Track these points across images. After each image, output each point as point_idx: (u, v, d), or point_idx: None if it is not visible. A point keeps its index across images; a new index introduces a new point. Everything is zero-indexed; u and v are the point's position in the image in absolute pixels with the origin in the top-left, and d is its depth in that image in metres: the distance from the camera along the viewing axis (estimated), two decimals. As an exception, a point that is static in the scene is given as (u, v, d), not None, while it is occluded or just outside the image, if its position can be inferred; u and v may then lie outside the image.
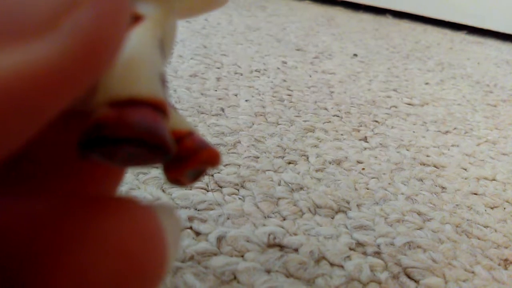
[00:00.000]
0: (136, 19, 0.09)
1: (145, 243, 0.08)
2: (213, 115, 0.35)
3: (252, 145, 0.32)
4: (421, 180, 0.31)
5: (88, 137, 0.07)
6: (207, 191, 0.25)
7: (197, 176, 0.10)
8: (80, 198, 0.09)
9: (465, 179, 0.32)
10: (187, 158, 0.09)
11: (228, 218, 0.23)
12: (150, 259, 0.08)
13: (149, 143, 0.07)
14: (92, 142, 0.07)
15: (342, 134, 0.36)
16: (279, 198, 0.26)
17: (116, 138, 0.07)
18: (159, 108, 0.08)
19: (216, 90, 0.40)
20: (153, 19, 0.09)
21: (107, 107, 0.07)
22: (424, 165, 0.33)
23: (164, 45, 0.09)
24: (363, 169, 0.31)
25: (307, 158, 0.31)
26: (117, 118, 0.07)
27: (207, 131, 0.32)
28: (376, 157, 0.33)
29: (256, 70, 0.48)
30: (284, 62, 0.53)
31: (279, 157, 0.31)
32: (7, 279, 0.08)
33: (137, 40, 0.08)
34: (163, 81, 0.08)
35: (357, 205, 0.26)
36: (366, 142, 0.36)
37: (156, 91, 0.08)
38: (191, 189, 0.25)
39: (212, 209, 0.24)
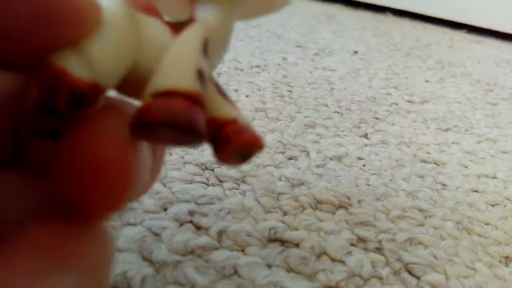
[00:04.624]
0: (188, 22, 0.11)
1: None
2: (213, 110, 0.35)
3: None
4: (422, 177, 0.31)
5: (134, 121, 0.09)
6: (208, 185, 0.25)
7: (244, 158, 0.12)
8: None
9: (466, 176, 0.32)
10: (227, 142, 0.11)
11: (228, 213, 0.23)
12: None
13: (180, 127, 0.09)
14: (137, 125, 0.09)
15: (342, 131, 0.36)
16: (279, 193, 0.26)
17: (153, 122, 0.09)
18: (192, 98, 0.09)
19: (216, 85, 0.40)
20: (202, 22, 0.11)
21: (151, 97, 0.09)
22: (424, 162, 0.33)
23: (208, 45, 0.11)
24: (364, 165, 0.31)
25: (308, 154, 0.31)
26: (154, 106, 0.09)
27: (207, 125, 0.32)
28: (376, 154, 0.33)
29: (256, 66, 0.48)
30: (285, 59, 0.52)
31: (280, 152, 0.30)
32: None
33: (181, 43, 0.10)
34: (201, 76, 0.10)
35: (358, 201, 0.26)
36: (367, 138, 0.35)
37: (190, 84, 0.09)
38: (191, 184, 0.25)
39: (212, 204, 0.24)
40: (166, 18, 0.12)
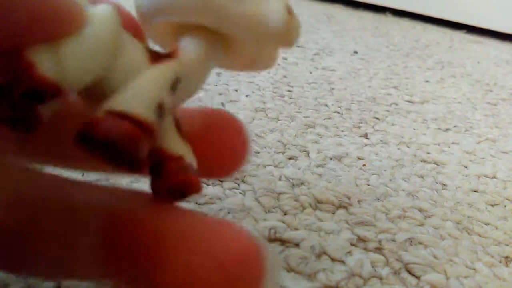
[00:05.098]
0: (169, 55, 0.11)
1: (240, 258, 0.09)
2: (213, 110, 0.35)
3: (253, 140, 0.31)
4: (421, 177, 0.31)
5: (80, 131, 0.09)
6: (208, 185, 0.25)
7: (178, 196, 0.12)
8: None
9: (466, 176, 0.32)
10: (165, 177, 0.11)
11: (228, 213, 0.23)
12: (243, 274, 0.09)
13: (120, 150, 0.09)
14: (81, 136, 0.09)
15: (342, 131, 0.36)
16: (280, 193, 0.26)
17: (97, 137, 0.09)
18: (143, 126, 0.09)
19: (216, 85, 0.40)
20: (180, 60, 0.11)
21: (103, 113, 0.09)
22: (424, 162, 0.33)
23: (178, 83, 0.11)
24: (364, 165, 0.31)
25: (308, 153, 0.31)
26: (103, 122, 0.09)
27: (207, 125, 0.32)
28: (376, 154, 0.33)
29: (256, 66, 0.48)
30: (285, 58, 0.52)
31: (280, 152, 0.30)
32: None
33: (153, 74, 0.10)
34: (160, 109, 0.10)
35: (358, 201, 0.26)
36: (367, 138, 0.35)
37: (142, 113, 0.09)
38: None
39: (212, 203, 0.24)
40: (153, 45, 0.13)
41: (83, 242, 0.11)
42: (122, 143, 0.09)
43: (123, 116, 0.09)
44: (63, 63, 0.10)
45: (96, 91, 0.10)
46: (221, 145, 0.12)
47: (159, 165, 0.11)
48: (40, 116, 0.10)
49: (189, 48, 0.12)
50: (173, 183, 0.11)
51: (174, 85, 0.11)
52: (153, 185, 0.11)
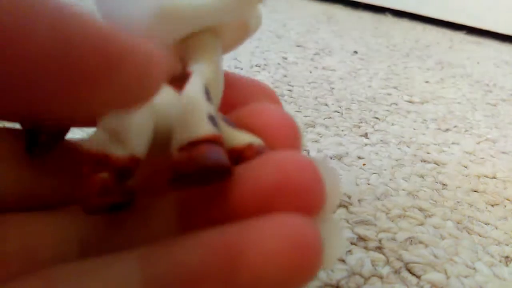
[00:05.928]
0: (187, 75, 0.12)
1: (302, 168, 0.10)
2: (213, 109, 0.35)
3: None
4: (422, 176, 0.31)
5: (170, 177, 0.10)
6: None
7: None
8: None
9: (466, 176, 0.32)
10: None
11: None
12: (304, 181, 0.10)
13: (210, 169, 0.10)
14: (174, 180, 0.10)
15: (342, 130, 0.36)
16: (280, 192, 0.26)
17: (186, 173, 0.10)
18: (212, 140, 0.10)
19: (216, 84, 0.40)
20: (199, 73, 0.12)
21: (177, 152, 0.10)
22: (424, 162, 0.33)
23: (209, 89, 0.12)
24: (364, 164, 0.31)
25: (308, 153, 0.31)
26: (182, 159, 0.10)
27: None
28: (377, 153, 0.33)
29: (256, 65, 0.48)
30: (285, 58, 0.52)
31: (280, 151, 0.30)
32: None
33: (188, 98, 0.11)
34: (212, 119, 0.11)
35: (359, 200, 0.26)
36: (367, 138, 0.35)
37: (207, 130, 0.11)
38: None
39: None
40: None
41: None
42: (207, 164, 0.10)
43: (193, 144, 0.10)
44: (127, 141, 0.11)
45: (153, 143, 0.12)
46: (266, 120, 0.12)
47: (238, 161, 0.12)
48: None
49: (199, 64, 0.13)
50: None
51: (207, 94, 0.12)
52: None
